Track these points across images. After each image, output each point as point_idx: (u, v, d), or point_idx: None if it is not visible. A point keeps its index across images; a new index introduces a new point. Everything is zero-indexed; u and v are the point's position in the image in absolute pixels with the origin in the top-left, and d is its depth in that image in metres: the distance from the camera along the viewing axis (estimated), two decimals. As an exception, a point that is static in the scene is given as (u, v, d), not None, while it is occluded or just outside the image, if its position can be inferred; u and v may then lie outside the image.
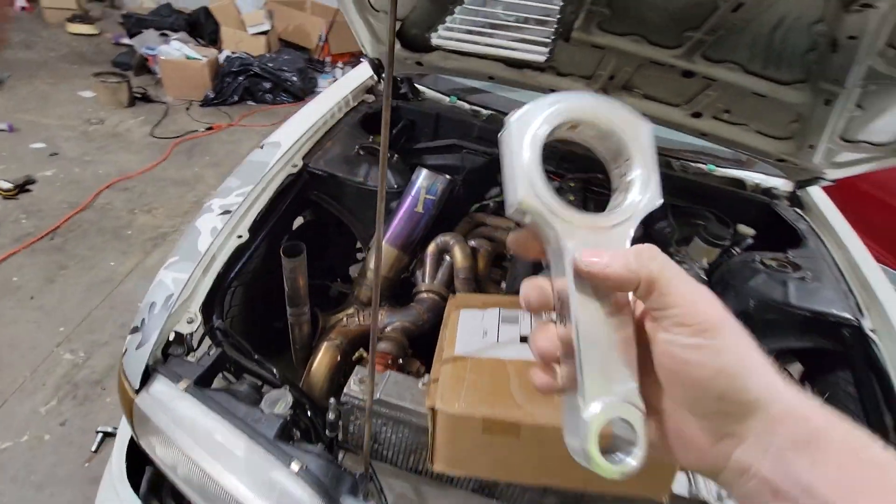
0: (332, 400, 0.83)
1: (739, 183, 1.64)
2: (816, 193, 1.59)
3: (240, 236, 1.03)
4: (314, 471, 0.74)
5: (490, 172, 1.61)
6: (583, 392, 0.29)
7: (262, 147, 1.25)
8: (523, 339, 0.70)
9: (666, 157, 1.64)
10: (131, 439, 0.95)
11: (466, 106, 1.70)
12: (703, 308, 0.29)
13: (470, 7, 1.22)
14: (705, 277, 1.38)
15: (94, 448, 1.49)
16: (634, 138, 0.32)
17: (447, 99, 1.72)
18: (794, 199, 1.58)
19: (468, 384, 0.66)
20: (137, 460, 0.95)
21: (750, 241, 1.46)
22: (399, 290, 1.35)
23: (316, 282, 1.41)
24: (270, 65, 3.87)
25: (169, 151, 3.07)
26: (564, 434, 0.30)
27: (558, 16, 1.08)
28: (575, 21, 1.07)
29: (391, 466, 0.92)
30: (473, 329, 0.73)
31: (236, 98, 3.77)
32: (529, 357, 0.61)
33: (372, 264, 1.27)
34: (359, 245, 1.58)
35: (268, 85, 3.85)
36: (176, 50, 3.73)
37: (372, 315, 0.68)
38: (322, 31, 4.65)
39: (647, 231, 1.58)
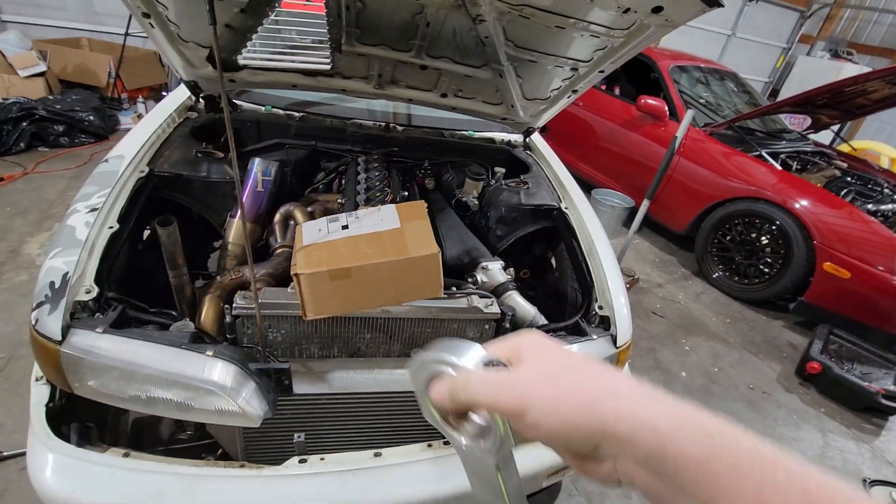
0: (226, 307, 1.16)
1: (492, 140, 2.35)
2: (537, 139, 2.38)
3: (111, 227, 1.28)
4: (225, 352, 1.08)
5: (312, 162, 2.04)
6: None
7: (107, 161, 1.47)
8: (344, 227, 1.15)
9: (440, 130, 2.26)
10: (49, 405, 1.14)
11: (281, 112, 2.08)
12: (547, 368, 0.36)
13: (265, 33, 1.63)
14: (477, 202, 2.01)
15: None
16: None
17: (262, 108, 2.08)
18: (526, 146, 2.34)
19: (315, 257, 1.08)
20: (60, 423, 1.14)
21: (500, 175, 2.16)
22: (257, 258, 1.68)
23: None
24: (59, 106, 3.62)
25: (-44, 213, 2.75)
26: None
27: (328, 35, 1.56)
28: (340, 38, 1.56)
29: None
30: (312, 230, 1.16)
31: (22, 146, 3.45)
32: (349, 235, 1.06)
33: (231, 237, 1.59)
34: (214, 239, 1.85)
35: (61, 128, 3.60)
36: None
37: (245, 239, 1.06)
38: (111, 68, 4.44)
39: (438, 184, 2.19)
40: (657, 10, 1.07)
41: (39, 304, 1.07)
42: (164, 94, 5.23)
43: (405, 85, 1.89)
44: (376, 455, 1.19)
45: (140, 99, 4.56)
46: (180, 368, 1.04)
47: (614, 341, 1.42)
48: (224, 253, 1.60)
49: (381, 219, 1.17)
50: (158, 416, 1.37)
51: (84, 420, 1.18)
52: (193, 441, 1.40)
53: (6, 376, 1.85)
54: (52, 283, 1.10)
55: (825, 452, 2.26)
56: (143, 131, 1.67)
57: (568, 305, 1.84)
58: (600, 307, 1.51)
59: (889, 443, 2.39)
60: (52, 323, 1.04)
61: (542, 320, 1.54)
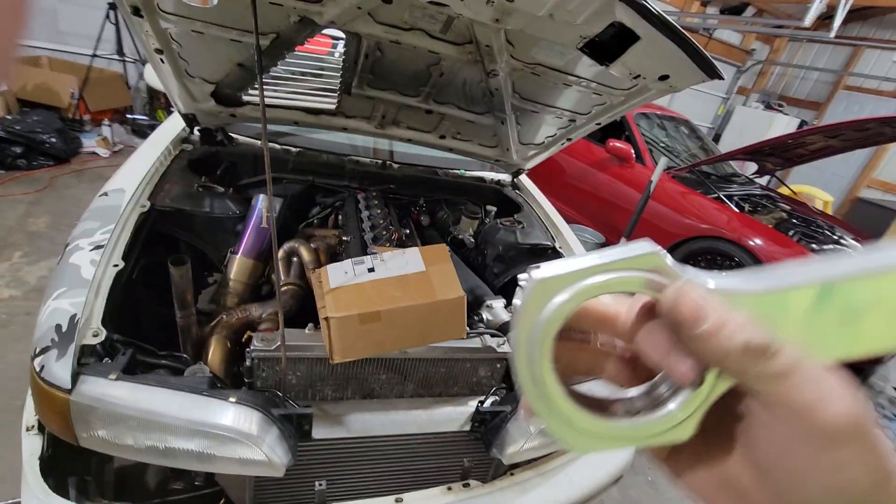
0: (248, 350, 1.14)
1: (482, 179, 2.43)
2: (525, 179, 2.49)
3: (116, 265, 1.23)
4: (247, 397, 1.05)
5: (307, 197, 2.04)
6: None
7: (107, 194, 1.42)
8: (370, 270, 1.16)
9: (434, 169, 2.32)
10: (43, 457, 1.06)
11: (277, 146, 2.08)
12: (835, 405, 0.22)
13: (276, 73, 1.65)
14: (473, 240, 2.07)
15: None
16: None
17: (258, 143, 2.07)
18: (514, 185, 2.44)
19: (344, 300, 1.08)
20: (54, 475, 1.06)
21: (493, 213, 2.24)
22: (260, 294, 1.65)
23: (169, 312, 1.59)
24: (18, 127, 3.42)
25: None
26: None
27: (341, 79, 1.61)
28: (352, 82, 1.61)
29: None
30: (338, 272, 1.16)
31: (-26, 168, 3.22)
32: (376, 278, 1.08)
33: (232, 275, 1.56)
34: (207, 273, 1.80)
35: (18, 149, 3.39)
36: None
37: (275, 272, 1.05)
38: (74, 89, 4.26)
39: (433, 221, 2.24)
40: (664, 77, 1.19)
41: (45, 350, 1.01)
42: (128, 116, 5.05)
43: (406, 126, 1.95)
44: (398, 501, 1.17)
45: (105, 122, 4.38)
46: (202, 416, 1.00)
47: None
48: (224, 290, 1.56)
49: (406, 262, 1.19)
50: (144, 463, 1.30)
51: (68, 470, 1.11)
52: (189, 491, 1.32)
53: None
54: (58, 327, 1.04)
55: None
56: (140, 163, 1.63)
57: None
58: (601, 345, 1.57)
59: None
60: (61, 370, 0.98)
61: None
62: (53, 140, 3.59)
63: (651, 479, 2.16)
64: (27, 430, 1.11)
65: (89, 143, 4.10)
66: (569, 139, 1.86)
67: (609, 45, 1.10)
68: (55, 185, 3.44)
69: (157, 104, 5.37)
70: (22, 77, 4.07)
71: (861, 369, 3.24)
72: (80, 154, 4.01)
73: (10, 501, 1.43)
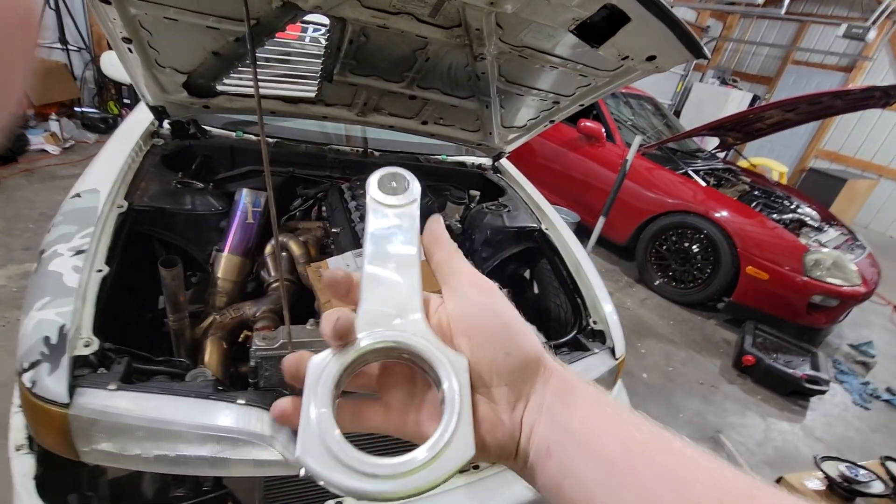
0: (251, 349, 1.11)
1: (463, 164, 2.42)
2: (506, 163, 2.50)
3: (99, 270, 1.16)
4: (255, 398, 1.03)
5: (288, 189, 1.99)
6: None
7: (80, 196, 1.33)
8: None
9: (415, 155, 2.30)
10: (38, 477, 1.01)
11: (253, 137, 2.00)
12: (480, 276, 0.34)
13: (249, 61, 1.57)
14: (460, 225, 2.07)
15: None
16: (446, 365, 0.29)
17: (233, 134, 1.99)
18: (495, 168, 2.44)
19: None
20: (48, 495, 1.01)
21: (477, 198, 2.24)
22: (248, 293, 1.60)
23: (151, 314, 1.53)
24: (-46, 126, 3.15)
25: None
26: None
27: (322, 66, 1.55)
28: (334, 69, 1.56)
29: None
30: (339, 266, 1.14)
31: None
32: None
33: (220, 273, 1.50)
34: (190, 273, 1.73)
35: (-43, 150, 3.13)
36: None
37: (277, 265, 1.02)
38: (13, 82, 3.94)
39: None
40: (651, 58, 1.21)
41: (34, 364, 0.95)
42: (77, 109, 4.73)
43: (388, 112, 1.92)
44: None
45: (52, 116, 4.09)
46: (212, 420, 0.97)
47: (613, 353, 1.53)
48: (213, 290, 1.51)
49: (407, 251, 1.18)
50: (139, 473, 1.26)
51: (62, 488, 1.06)
52: (191, 498, 1.29)
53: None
54: (46, 339, 0.98)
55: (768, 435, 2.57)
56: (111, 161, 1.53)
57: (552, 322, 1.94)
58: (594, 322, 1.62)
59: (814, 421, 2.77)
60: (55, 384, 0.93)
61: (542, 338, 1.62)
62: (-4, 138, 3.32)
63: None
64: (16, 449, 1.06)
65: (36, 139, 3.83)
66: (551, 121, 1.88)
67: (600, 26, 1.11)
68: (4, 187, 3.20)
69: (108, 95, 5.06)
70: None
71: (819, 329, 3.47)
72: (28, 152, 3.74)
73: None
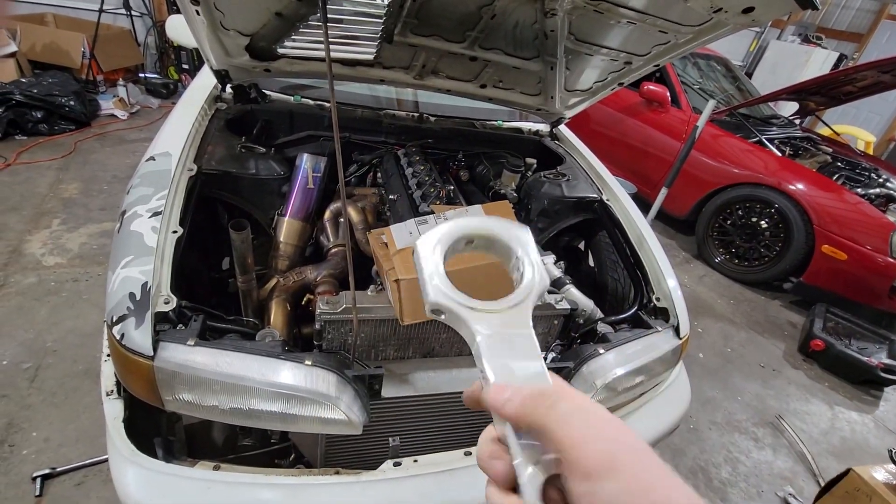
0: (317, 312, 1.13)
1: (519, 130, 2.33)
2: (564, 130, 2.39)
3: (174, 231, 1.21)
4: (321, 359, 1.06)
5: (346, 154, 1.98)
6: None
7: (154, 158, 1.38)
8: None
9: (471, 121, 2.23)
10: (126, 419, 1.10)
11: (311, 102, 2.00)
12: (592, 450, 0.27)
13: (311, 23, 1.55)
14: (515, 194, 2.01)
15: (37, 493, 1.41)
16: (516, 239, 0.38)
17: (291, 98, 1.99)
18: (553, 136, 2.34)
19: (412, 261, 1.07)
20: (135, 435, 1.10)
21: (535, 165, 2.16)
22: (308, 257, 1.64)
23: (217, 275, 1.60)
24: (35, 91, 3.36)
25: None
26: None
27: (382, 26, 1.50)
28: (395, 29, 1.51)
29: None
30: (402, 233, 1.13)
31: (-1, 134, 3.20)
32: None
33: (282, 237, 1.54)
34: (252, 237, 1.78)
35: (39, 114, 3.35)
36: None
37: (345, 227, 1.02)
38: (85, 48, 4.14)
39: (472, 175, 2.17)
40: (748, 10, 1.08)
41: (122, 318, 1.02)
42: (140, 75, 4.93)
43: (445, 75, 1.85)
44: (467, 454, 1.20)
45: (120, 82, 4.28)
46: (281, 378, 1.01)
47: (677, 332, 1.46)
48: (275, 253, 1.55)
49: (470, 220, 1.15)
50: (209, 422, 1.34)
51: (145, 431, 1.14)
52: (257, 448, 1.37)
53: (38, 387, 1.74)
54: (132, 295, 1.04)
55: (834, 424, 2.43)
56: (180, 124, 1.58)
57: (609, 297, 1.87)
58: (657, 298, 1.54)
59: (888, 412, 2.59)
60: (141, 337, 0.99)
61: (600, 314, 1.57)
62: (72, 103, 3.53)
63: (692, 427, 2.20)
64: (107, 394, 1.15)
65: (106, 104, 4.03)
66: (620, 83, 1.75)
67: (693, -26, 0.99)
68: (80, 150, 3.42)
69: (168, 61, 5.22)
70: (31, 37, 3.95)
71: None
72: (99, 116, 3.95)
73: (97, 459, 1.51)
